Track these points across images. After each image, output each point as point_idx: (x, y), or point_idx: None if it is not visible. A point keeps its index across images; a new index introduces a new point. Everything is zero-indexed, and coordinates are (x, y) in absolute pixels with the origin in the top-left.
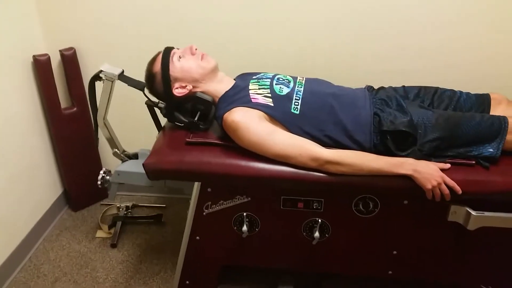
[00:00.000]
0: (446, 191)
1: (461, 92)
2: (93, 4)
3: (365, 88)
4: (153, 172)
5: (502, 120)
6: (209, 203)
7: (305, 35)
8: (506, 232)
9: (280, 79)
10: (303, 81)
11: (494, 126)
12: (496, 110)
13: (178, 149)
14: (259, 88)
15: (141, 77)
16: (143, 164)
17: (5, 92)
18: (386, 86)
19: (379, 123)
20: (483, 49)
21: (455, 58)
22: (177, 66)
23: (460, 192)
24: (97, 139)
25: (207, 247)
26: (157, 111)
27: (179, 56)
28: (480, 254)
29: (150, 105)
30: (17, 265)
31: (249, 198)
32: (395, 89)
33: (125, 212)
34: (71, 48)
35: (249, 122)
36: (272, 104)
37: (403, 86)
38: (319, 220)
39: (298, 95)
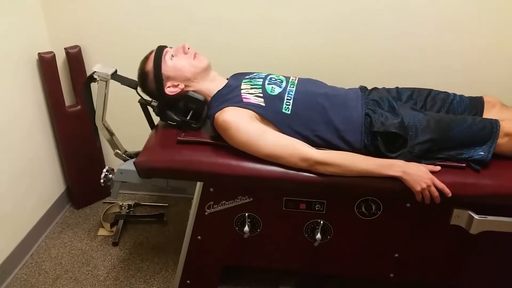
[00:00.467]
0: (436, 193)
1: (454, 95)
2: (98, 2)
3: (358, 88)
4: (144, 170)
5: (494, 123)
6: (211, 203)
7: (305, 35)
8: (508, 236)
9: (273, 79)
10: (296, 81)
11: (486, 130)
12: (489, 114)
13: (169, 147)
14: (251, 88)
15: None
16: (134, 163)
17: (9, 89)
18: (381, 87)
19: (370, 124)
20: (479, 52)
21: (452, 60)
22: (169, 65)
23: (450, 194)
24: (98, 141)
25: (208, 247)
26: (150, 109)
27: (172, 55)
28: (482, 258)
29: (143, 104)
30: (19, 262)
31: (251, 199)
32: (388, 90)
33: (127, 211)
34: (76, 46)
35: (239, 122)
36: (263, 104)
37: (397, 88)
38: (321, 222)
39: (289, 95)
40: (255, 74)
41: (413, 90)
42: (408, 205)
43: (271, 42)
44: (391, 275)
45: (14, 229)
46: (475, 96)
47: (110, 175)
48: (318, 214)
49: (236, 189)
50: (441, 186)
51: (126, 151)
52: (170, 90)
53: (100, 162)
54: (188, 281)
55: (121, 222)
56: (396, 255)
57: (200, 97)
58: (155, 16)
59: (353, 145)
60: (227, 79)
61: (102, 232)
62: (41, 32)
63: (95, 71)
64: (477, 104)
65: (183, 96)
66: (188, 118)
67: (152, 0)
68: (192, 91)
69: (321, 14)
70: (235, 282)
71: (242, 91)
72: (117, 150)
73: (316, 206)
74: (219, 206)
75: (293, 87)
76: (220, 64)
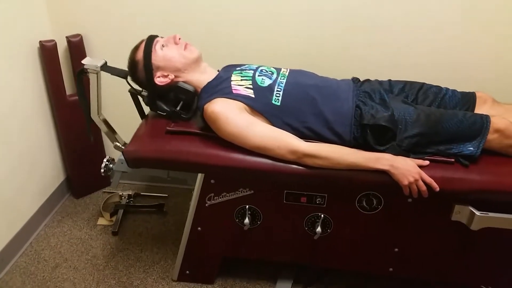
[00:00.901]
0: (423, 187)
1: (447, 89)
2: None
3: (350, 79)
4: (133, 160)
5: (485, 119)
6: (212, 194)
7: (304, 27)
8: (509, 233)
9: (264, 70)
10: (287, 73)
11: (476, 125)
12: (481, 109)
13: (159, 137)
14: (241, 80)
15: None
16: (122, 152)
17: (10, 77)
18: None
19: (360, 116)
20: (476, 49)
21: (450, 55)
22: (159, 55)
23: (438, 189)
24: (91, 134)
25: (208, 238)
26: (141, 99)
27: (162, 45)
28: (482, 254)
29: (133, 93)
30: (18, 250)
31: (252, 191)
32: (380, 82)
33: (127, 201)
34: (78, 35)
35: (228, 113)
36: (253, 96)
37: (389, 80)
38: (322, 215)
39: (280, 87)
40: (246, 66)
41: (405, 83)
42: (409, 200)
43: (271, 35)
44: (390, 269)
45: (14, 217)
46: (467, 91)
47: (111, 165)
48: (319, 208)
49: (237, 181)
50: (429, 181)
51: (125, 143)
52: (160, 80)
53: (100, 151)
54: (187, 272)
55: (120, 211)
56: (396, 249)
57: (190, 88)
58: (157, 5)
59: (343, 136)
60: (218, 70)
61: (101, 221)
62: (43, 20)
63: (84, 65)
64: (469, 99)
65: (173, 87)
66: (178, 108)
67: None
68: (182, 81)
69: (321, 6)
70: (233, 274)
71: (232, 82)
72: (116, 143)
73: (317, 199)
74: (220, 197)
75: (283, 79)
76: (219, 55)
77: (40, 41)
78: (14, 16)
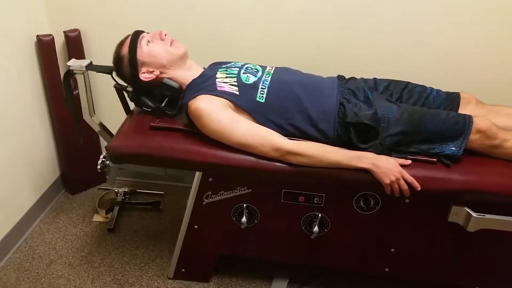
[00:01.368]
0: (405, 186)
1: (431, 89)
2: None
3: (336, 77)
4: (115, 155)
5: (467, 119)
6: (210, 192)
7: (299, 25)
8: (505, 235)
9: (249, 68)
10: (272, 71)
11: (459, 125)
12: (464, 109)
13: (142, 133)
14: (226, 77)
15: None
16: (105, 147)
17: (7, 71)
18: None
19: (344, 114)
20: (463, 50)
21: (442, 57)
22: (144, 51)
23: (419, 188)
24: (80, 136)
25: (205, 236)
26: (126, 95)
27: (148, 41)
28: (477, 255)
29: (119, 89)
30: (13, 245)
31: (250, 190)
32: (365, 80)
33: (123, 198)
34: (75, 30)
35: (212, 110)
36: (237, 93)
37: (374, 78)
38: (319, 215)
39: (264, 84)
40: (232, 63)
41: (391, 82)
42: (406, 201)
43: (262, 33)
44: (386, 269)
45: (8, 213)
46: (452, 91)
47: (107, 161)
48: (316, 207)
49: (235, 180)
50: (410, 180)
51: None
52: (144, 76)
53: (96, 148)
54: (183, 270)
55: (116, 208)
56: (392, 250)
57: (175, 85)
58: (155, 1)
59: (327, 134)
60: (204, 68)
61: (97, 218)
62: (40, 15)
63: (69, 66)
64: (453, 99)
65: (158, 83)
66: (163, 105)
67: None
68: (167, 78)
69: (314, 4)
70: (229, 272)
71: (217, 79)
72: None
73: (315, 199)
74: (218, 196)
75: (268, 77)
76: (212, 51)
77: (37, 36)
78: (11, 10)
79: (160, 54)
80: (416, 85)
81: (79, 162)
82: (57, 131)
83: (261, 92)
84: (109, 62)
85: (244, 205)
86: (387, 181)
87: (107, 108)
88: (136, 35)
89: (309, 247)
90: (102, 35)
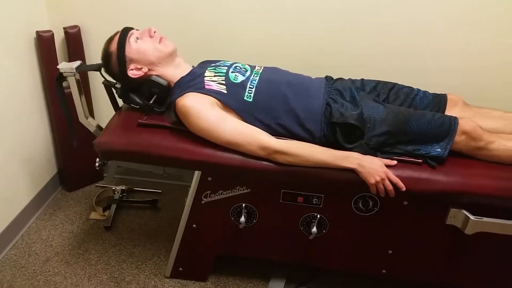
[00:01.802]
0: (390, 187)
1: (418, 90)
2: None
3: (324, 77)
4: (102, 151)
5: (453, 120)
6: (209, 192)
7: (299, 27)
8: (503, 238)
9: (238, 67)
10: (260, 70)
11: (444, 126)
12: (451, 111)
13: (129, 130)
14: (214, 75)
15: None
16: (93, 143)
17: (6, 67)
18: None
19: (330, 114)
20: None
21: (439, 60)
22: (133, 47)
23: (404, 189)
24: (74, 139)
25: (203, 235)
26: (115, 91)
27: (137, 37)
28: (475, 258)
29: (107, 85)
30: (9, 242)
31: (249, 190)
32: (353, 81)
33: (120, 195)
34: (75, 26)
35: (199, 108)
36: (225, 92)
37: (362, 79)
38: (318, 216)
39: (252, 84)
40: (221, 62)
41: (378, 82)
42: (405, 203)
43: (256, 33)
44: (384, 271)
45: (5, 209)
46: (439, 93)
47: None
48: (315, 208)
49: (234, 180)
50: (395, 180)
51: None
52: (133, 73)
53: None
54: (180, 269)
55: (113, 206)
56: (390, 251)
57: (163, 82)
58: None
59: (313, 134)
60: (193, 66)
61: (94, 215)
62: (40, 10)
63: (59, 69)
64: (440, 101)
65: (146, 80)
66: (151, 102)
67: None
68: (156, 75)
69: (310, 4)
70: (227, 272)
71: (205, 78)
72: None
73: (314, 200)
74: (216, 195)
75: (256, 76)
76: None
77: (37, 31)
78: (11, 5)
79: (149, 51)
80: (403, 86)
81: (76, 160)
82: (55, 128)
83: (249, 92)
84: None
85: (243, 204)
86: (372, 181)
87: (106, 108)
88: (125, 31)
89: (307, 248)
90: (102, 31)
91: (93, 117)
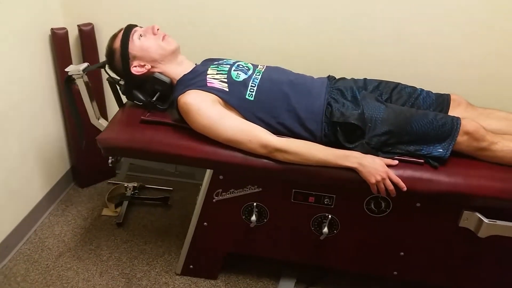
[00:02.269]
0: (391, 186)
1: (421, 90)
2: None
3: (326, 77)
4: (105, 147)
5: (455, 120)
6: (220, 190)
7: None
8: None
9: (240, 66)
10: (263, 69)
11: (446, 126)
12: (454, 111)
13: (132, 126)
14: (216, 73)
15: None
16: (96, 139)
17: (21, 63)
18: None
19: (331, 113)
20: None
21: (450, 60)
22: (136, 45)
23: (405, 188)
24: (83, 140)
25: (214, 233)
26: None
27: (140, 35)
28: (488, 262)
29: (111, 82)
30: (23, 236)
31: (260, 189)
32: (355, 80)
33: (132, 192)
34: (89, 24)
35: (201, 105)
36: (227, 89)
37: (364, 78)
38: (329, 216)
39: (254, 82)
40: (224, 60)
41: (381, 82)
42: (418, 204)
43: (262, 33)
44: (395, 273)
45: (19, 204)
46: (442, 93)
47: (119, 156)
48: (327, 208)
49: (245, 178)
50: (396, 180)
51: None
52: (136, 69)
53: None
54: (191, 266)
55: (125, 203)
56: (402, 253)
57: (166, 79)
58: None
59: (314, 133)
60: (196, 64)
61: (106, 212)
62: (55, 8)
63: (68, 72)
64: (443, 101)
65: (150, 77)
66: (154, 99)
67: None
68: (159, 72)
69: (315, 6)
70: (237, 270)
71: (207, 76)
72: None
73: (325, 200)
74: (228, 194)
75: (259, 75)
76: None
77: (51, 29)
78: (27, 3)
79: (152, 48)
80: (406, 86)
81: (89, 156)
82: (68, 124)
83: (251, 90)
84: None
85: (254, 203)
86: (373, 180)
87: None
88: (129, 29)
89: (318, 248)
90: (115, 29)
91: (106, 115)
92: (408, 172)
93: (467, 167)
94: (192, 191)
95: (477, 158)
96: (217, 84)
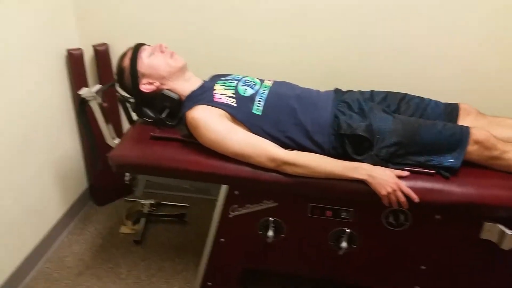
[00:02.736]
0: (402, 198)
1: (430, 100)
2: (128, 1)
3: (332, 90)
4: (116, 164)
5: (464, 130)
6: (236, 205)
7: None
8: None
9: (247, 81)
10: (270, 84)
11: (455, 136)
12: (464, 121)
13: (143, 143)
14: (224, 89)
15: None
16: (107, 156)
17: (38, 84)
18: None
19: (338, 126)
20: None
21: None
22: (145, 63)
23: (417, 200)
24: (97, 162)
25: (231, 249)
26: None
27: (149, 53)
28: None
29: (122, 100)
30: (42, 255)
31: (277, 203)
32: (362, 92)
33: (149, 209)
34: (104, 44)
35: (208, 120)
36: (235, 104)
37: (371, 90)
38: (347, 230)
39: (261, 97)
40: (231, 76)
41: (388, 93)
42: (437, 216)
43: (268, 47)
44: (417, 287)
45: (38, 223)
46: (450, 103)
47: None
48: (345, 222)
49: (261, 193)
50: (407, 191)
51: None
52: (145, 87)
53: None
54: (209, 283)
55: (143, 220)
56: (423, 267)
57: (175, 96)
58: (183, 17)
59: (322, 146)
60: (204, 81)
61: (124, 229)
62: (71, 29)
63: (81, 95)
64: (452, 110)
65: (158, 94)
66: (163, 115)
67: (181, 1)
68: (167, 89)
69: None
70: (254, 286)
71: (215, 91)
72: None
73: (343, 214)
74: (244, 209)
75: (266, 90)
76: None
77: (67, 49)
78: (43, 23)
79: (161, 66)
80: (413, 97)
81: (106, 174)
82: (85, 143)
83: (258, 105)
84: None
85: (271, 218)
86: (383, 192)
87: None
88: (137, 47)
89: (336, 263)
90: None
91: (121, 134)
92: (419, 183)
93: (479, 176)
94: (208, 207)
95: (489, 168)
96: (224, 99)
